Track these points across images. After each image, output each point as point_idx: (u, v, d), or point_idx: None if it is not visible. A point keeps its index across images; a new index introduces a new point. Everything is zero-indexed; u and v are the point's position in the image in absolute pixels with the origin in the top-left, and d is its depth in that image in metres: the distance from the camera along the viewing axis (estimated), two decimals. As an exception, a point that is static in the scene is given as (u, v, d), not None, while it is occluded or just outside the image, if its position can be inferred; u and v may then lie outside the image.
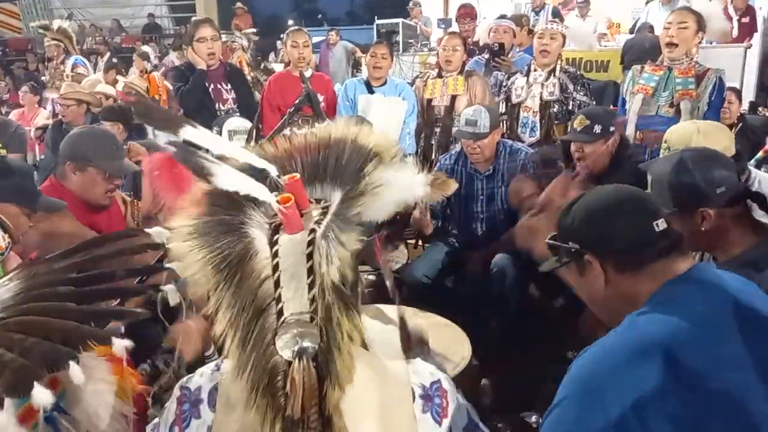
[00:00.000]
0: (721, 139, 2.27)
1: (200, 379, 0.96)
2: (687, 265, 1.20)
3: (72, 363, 0.77)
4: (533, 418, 2.05)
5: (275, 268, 0.85)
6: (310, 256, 0.85)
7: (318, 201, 0.93)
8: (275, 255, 0.86)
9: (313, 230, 0.87)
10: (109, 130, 3.05)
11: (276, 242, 0.87)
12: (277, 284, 0.85)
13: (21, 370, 0.75)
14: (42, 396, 0.73)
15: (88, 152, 2.38)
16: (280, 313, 0.84)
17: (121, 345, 0.84)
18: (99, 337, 0.83)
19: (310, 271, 0.84)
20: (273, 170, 0.92)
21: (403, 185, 0.89)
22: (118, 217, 2.62)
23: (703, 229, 1.57)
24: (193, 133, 0.93)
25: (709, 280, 1.19)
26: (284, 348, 0.83)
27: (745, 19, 6.72)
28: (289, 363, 0.82)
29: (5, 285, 0.92)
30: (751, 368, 1.08)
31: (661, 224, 1.21)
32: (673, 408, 1.03)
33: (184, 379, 0.98)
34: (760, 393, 1.07)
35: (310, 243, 0.85)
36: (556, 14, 6.67)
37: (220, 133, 3.01)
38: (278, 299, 0.84)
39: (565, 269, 1.30)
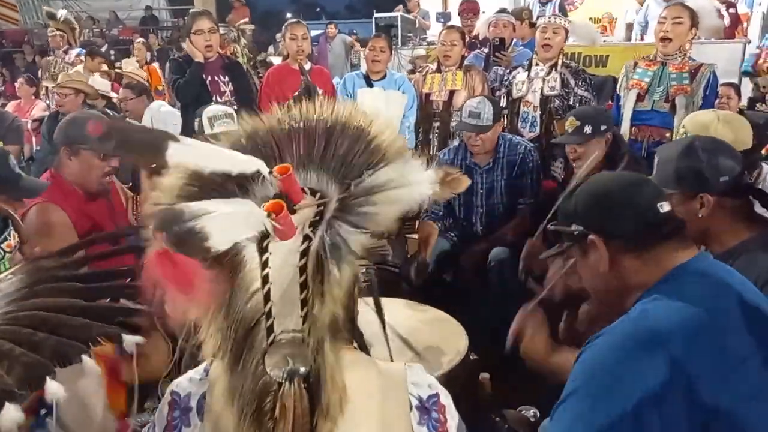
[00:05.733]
0: (740, 130, 2.26)
1: (189, 384, 0.91)
2: (690, 254, 1.20)
3: (84, 357, 0.77)
4: (531, 412, 2.05)
5: (265, 279, 0.77)
6: (303, 269, 0.77)
7: (313, 192, 0.84)
8: (265, 265, 0.78)
9: (307, 237, 0.78)
10: (97, 112, 3.03)
11: (266, 249, 0.78)
12: (267, 298, 0.76)
13: (33, 364, 0.75)
14: (55, 390, 0.73)
15: (79, 135, 2.34)
16: (269, 330, 0.77)
17: (131, 341, 0.84)
18: (109, 334, 0.83)
19: (304, 285, 0.76)
20: (263, 167, 0.82)
21: (410, 186, 0.80)
22: (119, 207, 2.61)
23: (700, 215, 1.58)
24: (178, 150, 0.80)
25: (714, 271, 1.19)
26: (274, 368, 0.76)
27: (732, 9, 6.77)
28: (280, 385, 0.76)
29: (8, 279, 0.92)
30: (755, 363, 1.08)
31: (665, 206, 1.21)
32: (682, 405, 1.02)
33: (174, 382, 0.93)
34: (760, 386, 1.07)
35: (304, 254, 0.77)
36: (562, 8, 6.65)
37: (201, 124, 2.97)
38: (268, 314, 0.77)
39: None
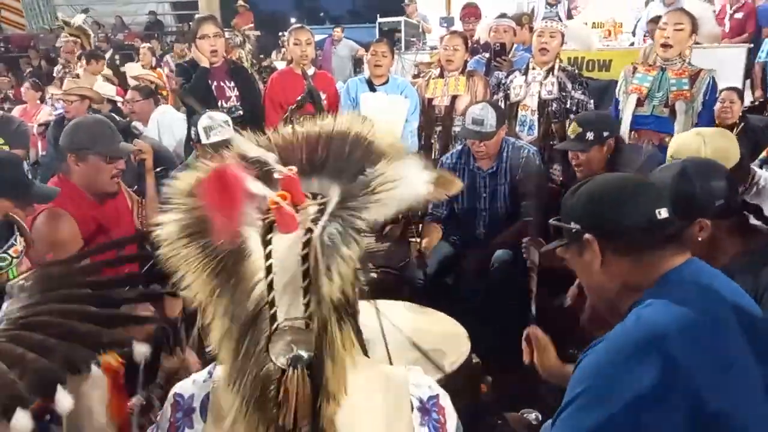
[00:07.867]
0: (728, 148, 2.25)
1: (192, 386, 0.93)
2: (683, 259, 1.22)
3: (93, 365, 0.79)
4: (533, 415, 2.06)
5: (268, 269, 0.80)
6: (305, 258, 0.80)
7: (314, 196, 0.88)
8: (268, 256, 0.81)
9: (309, 230, 0.81)
10: (101, 116, 3.05)
11: (269, 242, 0.82)
12: (270, 287, 0.80)
13: (45, 371, 0.76)
14: (64, 401, 0.75)
15: (86, 140, 2.41)
16: (273, 318, 0.79)
17: (140, 350, 0.86)
18: (118, 341, 0.85)
19: (306, 274, 0.79)
20: (272, 159, 0.86)
21: (407, 183, 0.84)
22: (125, 210, 2.64)
23: (699, 239, 1.59)
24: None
25: (705, 275, 1.21)
26: (278, 356, 0.79)
27: (738, 15, 6.56)
28: (283, 371, 0.79)
29: (20, 285, 0.93)
30: (747, 364, 1.10)
31: (663, 212, 1.21)
32: (680, 406, 1.04)
33: (177, 385, 0.95)
34: (754, 388, 1.09)
35: (306, 244, 0.80)
36: (569, 11, 6.66)
37: (197, 133, 2.87)
38: (271, 303, 0.79)
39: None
